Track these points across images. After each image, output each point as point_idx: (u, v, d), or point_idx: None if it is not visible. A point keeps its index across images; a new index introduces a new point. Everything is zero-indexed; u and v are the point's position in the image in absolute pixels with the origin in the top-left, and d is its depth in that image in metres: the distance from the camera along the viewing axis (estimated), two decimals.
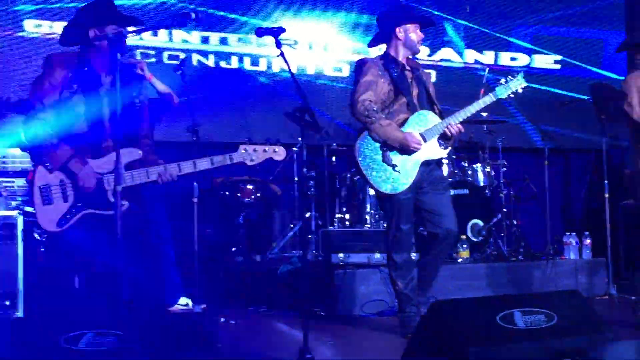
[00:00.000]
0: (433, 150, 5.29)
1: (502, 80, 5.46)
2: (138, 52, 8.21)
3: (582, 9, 9.93)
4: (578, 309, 3.75)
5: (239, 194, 7.89)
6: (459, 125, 5.29)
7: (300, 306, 6.00)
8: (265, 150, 4.74)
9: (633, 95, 5.30)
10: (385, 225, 5.38)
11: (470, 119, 7.01)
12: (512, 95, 5.44)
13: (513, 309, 3.54)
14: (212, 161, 4.71)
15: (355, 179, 7.68)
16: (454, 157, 7.77)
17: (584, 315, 3.74)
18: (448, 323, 3.47)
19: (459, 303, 3.76)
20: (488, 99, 5.38)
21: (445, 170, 7.53)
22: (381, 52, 5.44)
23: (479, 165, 7.87)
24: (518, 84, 5.42)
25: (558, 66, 9.87)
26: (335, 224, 7.67)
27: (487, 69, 7.77)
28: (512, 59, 9.69)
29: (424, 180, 5.26)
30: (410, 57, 5.41)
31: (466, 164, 7.88)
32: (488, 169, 7.84)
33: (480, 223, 7.46)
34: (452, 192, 7.42)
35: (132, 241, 4.69)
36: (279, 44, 4.36)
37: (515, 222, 7.93)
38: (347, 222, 7.70)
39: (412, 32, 5.32)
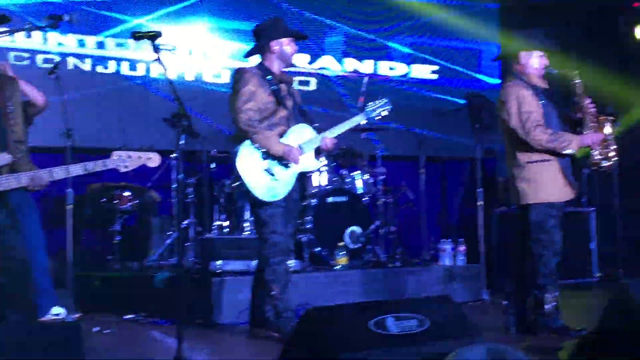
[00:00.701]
0: (309, 162, 5.54)
1: (371, 104, 5.75)
2: (12, 55, 7.96)
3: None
4: (449, 314, 3.84)
5: (115, 201, 7.74)
6: (334, 140, 5.56)
7: (176, 314, 5.93)
8: (139, 157, 4.67)
9: (512, 104, 5.46)
10: (260, 232, 5.43)
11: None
12: (379, 117, 5.74)
13: (386, 314, 3.59)
14: (86, 167, 4.60)
15: (234, 185, 7.65)
16: (333, 164, 7.86)
17: (455, 320, 3.83)
18: (321, 329, 3.50)
19: (332, 309, 3.80)
20: (359, 119, 5.76)
21: (324, 178, 7.62)
22: (256, 63, 5.54)
23: (357, 172, 7.97)
24: (385, 108, 5.72)
25: (435, 76, 10.12)
26: (214, 231, 7.62)
27: (366, 78, 7.88)
28: (391, 68, 9.88)
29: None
30: (284, 69, 5.52)
31: (345, 172, 7.97)
32: (366, 176, 7.95)
33: (359, 230, 7.55)
34: (331, 199, 7.55)
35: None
36: (156, 49, 4.33)
37: (392, 229, 8.07)
38: (226, 229, 7.66)
39: (287, 46, 5.51)
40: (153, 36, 4.35)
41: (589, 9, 10.27)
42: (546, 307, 5.49)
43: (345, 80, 9.56)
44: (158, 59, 4.31)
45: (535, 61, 5.59)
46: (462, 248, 7.75)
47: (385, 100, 5.78)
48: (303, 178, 5.64)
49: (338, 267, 7.21)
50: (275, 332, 5.30)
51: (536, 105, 5.44)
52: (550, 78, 5.73)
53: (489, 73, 10.36)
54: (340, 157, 8.04)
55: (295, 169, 5.42)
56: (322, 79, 9.47)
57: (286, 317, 5.29)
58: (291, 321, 5.19)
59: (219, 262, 6.68)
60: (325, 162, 7.54)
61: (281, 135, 5.40)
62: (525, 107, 5.42)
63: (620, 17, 9.89)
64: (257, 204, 5.36)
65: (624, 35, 10.00)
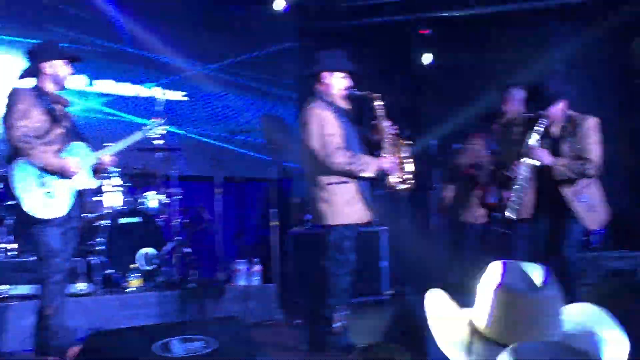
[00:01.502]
0: (86, 180, 5.49)
1: (151, 121, 5.76)
2: None
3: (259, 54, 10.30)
4: (237, 335, 3.86)
5: None
6: (112, 158, 5.57)
7: None
8: None
9: (313, 126, 5.53)
10: (37, 251, 5.27)
11: (147, 147, 7.06)
12: (157, 135, 5.77)
13: (171, 337, 3.56)
14: None
15: (11, 204, 7.32)
16: (127, 184, 7.70)
17: (242, 341, 3.86)
18: (105, 354, 3.42)
19: (116, 333, 3.73)
20: (137, 136, 5.77)
21: (118, 198, 7.46)
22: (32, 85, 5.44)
23: (152, 193, 7.85)
24: (163, 126, 5.78)
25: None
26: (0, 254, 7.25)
27: (162, 98, 7.83)
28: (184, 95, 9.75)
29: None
30: (57, 91, 5.42)
31: (139, 192, 7.83)
32: (162, 196, 7.85)
33: (152, 251, 7.44)
34: (124, 220, 7.39)
35: None
36: None
37: (187, 250, 7.99)
38: (12, 252, 7.29)
39: (60, 68, 5.42)
40: None
41: (384, 34, 10.69)
42: (334, 325, 5.62)
43: (131, 101, 9.37)
44: None
45: (337, 82, 5.69)
46: (257, 268, 7.79)
47: (163, 120, 5.82)
48: (84, 196, 5.52)
49: (131, 289, 7.06)
50: (57, 357, 5.11)
51: (337, 127, 5.55)
52: (352, 99, 5.82)
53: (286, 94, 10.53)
54: (134, 177, 7.89)
55: (72, 185, 5.33)
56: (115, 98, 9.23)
57: (61, 338, 5.14)
58: (67, 342, 5.06)
59: (3, 287, 6.37)
60: (103, 181, 7.40)
61: (57, 152, 5.30)
62: (326, 130, 5.51)
63: (411, 44, 10.35)
64: (34, 222, 5.20)
65: (415, 60, 10.48)
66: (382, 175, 5.73)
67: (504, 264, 2.23)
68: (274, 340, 6.46)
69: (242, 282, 7.68)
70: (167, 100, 8.65)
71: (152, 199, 7.80)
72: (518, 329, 2.15)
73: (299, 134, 5.77)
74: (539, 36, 10.48)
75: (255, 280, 7.77)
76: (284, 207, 9.52)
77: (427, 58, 10.39)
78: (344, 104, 5.73)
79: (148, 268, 7.38)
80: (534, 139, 5.78)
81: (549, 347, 1.85)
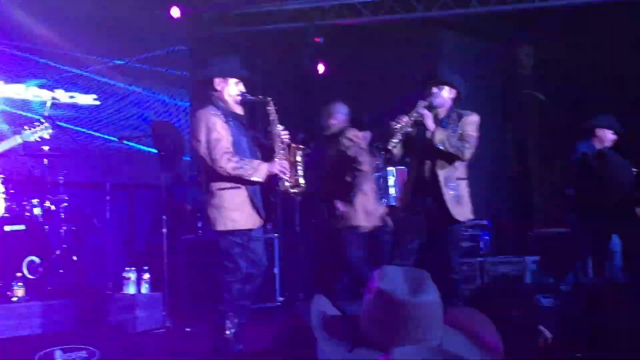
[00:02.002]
0: None
1: (27, 127, 5.64)
2: None
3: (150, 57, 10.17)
4: (120, 344, 3.80)
5: None
6: None
7: None
8: None
9: (202, 132, 5.50)
10: None
11: (33, 153, 6.88)
12: (39, 139, 5.65)
13: (53, 347, 3.47)
14: None
15: None
16: (11, 191, 7.46)
17: (127, 349, 3.80)
18: None
19: None
20: (14, 141, 5.53)
21: (1, 205, 7.22)
22: None
23: (37, 200, 7.63)
24: (46, 130, 5.64)
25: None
26: None
27: (50, 101, 7.69)
28: (71, 97, 9.52)
29: None
30: None
31: (24, 199, 7.59)
32: (47, 203, 7.64)
33: (38, 260, 7.23)
34: (8, 228, 7.16)
35: None
36: None
37: (75, 257, 7.80)
38: None
39: None
40: None
41: (278, 40, 10.72)
42: (226, 333, 5.57)
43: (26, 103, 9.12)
44: None
45: (230, 87, 5.66)
46: (146, 276, 7.67)
47: (47, 124, 5.70)
48: None
49: (14, 299, 6.84)
50: None
51: (225, 132, 5.51)
52: (246, 104, 5.81)
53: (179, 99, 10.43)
54: (18, 184, 7.65)
55: None
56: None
57: None
58: None
59: None
60: None
61: None
62: (213, 135, 5.47)
63: (305, 50, 10.40)
64: None
65: (307, 68, 10.53)
66: (274, 180, 5.73)
67: (385, 269, 2.26)
68: (163, 348, 6.39)
69: (131, 291, 7.55)
70: (54, 103, 8.47)
71: (38, 206, 7.58)
72: (398, 333, 2.18)
73: (190, 140, 5.73)
74: (429, 45, 10.70)
75: (145, 288, 7.65)
76: (176, 214, 9.41)
77: (317, 67, 10.46)
78: (238, 109, 5.71)
79: (33, 277, 7.16)
80: (420, 106, 6.01)
81: (424, 351, 1.89)
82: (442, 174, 6.03)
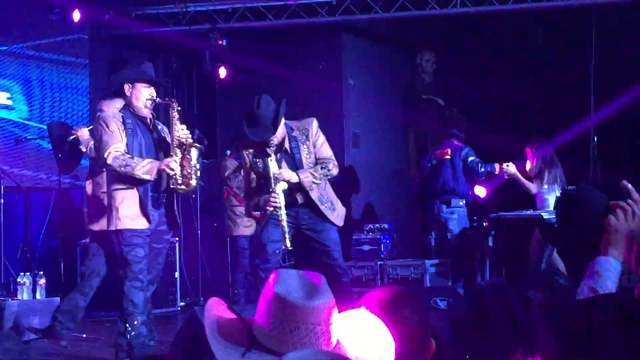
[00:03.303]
0: None
1: None
2: None
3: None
4: (11, 351, 3.69)
5: None
6: None
7: None
8: None
9: (96, 132, 5.62)
10: None
11: None
12: None
13: None
14: None
15: None
16: None
17: (17, 357, 3.69)
18: None
19: None
20: None
21: None
22: None
23: None
24: None
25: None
26: None
27: None
28: None
29: None
30: None
31: None
32: None
33: None
34: None
35: None
36: None
37: None
38: None
39: None
40: None
41: (179, 43, 10.62)
42: (128, 337, 5.48)
43: None
44: None
45: (139, 91, 5.67)
46: (42, 281, 7.47)
47: None
48: None
49: None
50: None
51: (119, 133, 5.53)
52: (155, 108, 5.94)
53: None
54: None
55: None
56: None
57: None
58: None
59: None
60: None
61: None
62: (104, 136, 5.50)
63: (205, 53, 10.33)
64: None
65: (209, 70, 10.45)
66: (164, 177, 5.68)
67: (279, 272, 2.25)
68: (60, 353, 6.26)
69: (25, 296, 7.33)
70: None
71: None
72: (293, 337, 2.17)
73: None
74: (332, 49, 10.77)
75: (41, 294, 7.44)
76: (73, 217, 9.20)
77: (220, 70, 10.40)
78: (147, 113, 5.74)
79: None
80: (274, 166, 5.85)
81: (316, 355, 1.88)
82: (313, 195, 5.99)
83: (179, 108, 5.81)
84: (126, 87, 5.69)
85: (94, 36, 10.21)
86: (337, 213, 6.10)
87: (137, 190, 5.56)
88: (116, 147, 5.48)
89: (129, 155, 5.53)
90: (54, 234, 7.76)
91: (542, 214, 7.89)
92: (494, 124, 10.04)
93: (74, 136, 6.81)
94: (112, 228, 5.53)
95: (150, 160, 5.60)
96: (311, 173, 5.93)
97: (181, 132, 5.70)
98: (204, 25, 10.32)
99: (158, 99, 5.90)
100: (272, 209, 5.85)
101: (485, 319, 2.72)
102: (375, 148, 10.71)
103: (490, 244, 8.95)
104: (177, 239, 8.99)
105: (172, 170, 5.61)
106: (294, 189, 5.95)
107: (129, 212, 5.53)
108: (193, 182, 5.74)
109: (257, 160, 5.95)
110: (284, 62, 10.40)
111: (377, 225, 9.26)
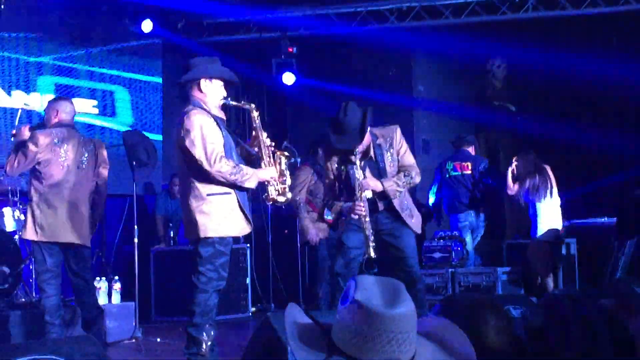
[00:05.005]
0: None
1: None
2: None
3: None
4: (90, 354, 3.74)
5: None
6: None
7: None
8: None
9: (194, 133, 5.25)
10: None
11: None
12: None
13: (19, 357, 3.42)
14: None
15: None
16: None
17: None
18: None
19: None
20: None
21: None
22: None
23: (9, 209, 7.58)
24: None
25: (96, 110, 9.93)
26: None
27: (20, 111, 7.69)
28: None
29: None
30: None
31: None
32: (17, 213, 7.57)
33: (7, 269, 7.15)
34: None
35: None
36: None
37: None
38: None
39: None
40: None
41: (248, 50, 10.74)
42: (202, 348, 5.41)
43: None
44: None
45: (215, 90, 5.41)
46: (117, 286, 7.61)
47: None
48: None
49: None
50: None
51: (219, 136, 5.27)
52: (226, 109, 5.63)
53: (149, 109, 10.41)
54: None
55: None
56: None
57: None
58: None
59: None
60: None
61: None
62: (209, 138, 5.21)
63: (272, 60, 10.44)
64: None
65: (278, 77, 10.54)
66: (263, 187, 5.57)
67: (359, 279, 2.25)
68: (133, 359, 6.35)
69: (101, 300, 7.48)
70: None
71: (8, 216, 7.51)
72: (374, 345, 2.17)
73: (174, 143, 5.50)
74: (402, 56, 10.76)
75: (115, 298, 7.59)
76: (147, 223, 9.37)
77: (289, 77, 10.44)
78: (220, 113, 5.46)
79: (2, 287, 7.08)
80: (359, 174, 5.78)
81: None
82: (395, 204, 5.92)
83: (258, 113, 5.61)
84: (203, 83, 5.37)
85: (166, 44, 10.41)
86: (415, 220, 6.04)
87: (236, 195, 5.33)
88: (223, 152, 5.23)
89: (234, 162, 5.30)
90: (129, 240, 7.88)
91: None
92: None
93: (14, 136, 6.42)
94: (211, 235, 5.25)
95: (250, 168, 5.39)
96: (395, 182, 5.87)
97: (266, 139, 5.53)
98: (274, 33, 10.42)
99: (234, 101, 5.68)
100: (357, 217, 5.79)
101: (562, 328, 2.69)
102: (445, 155, 10.65)
103: (564, 251, 8.90)
104: (248, 245, 9.05)
105: (275, 180, 5.47)
106: (377, 196, 5.91)
107: (226, 218, 5.30)
108: (289, 193, 5.57)
109: (341, 168, 5.92)
110: (353, 70, 10.42)
111: (447, 232, 9.20)
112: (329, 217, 6.41)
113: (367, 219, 5.73)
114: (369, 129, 5.82)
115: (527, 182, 8.63)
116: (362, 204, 5.72)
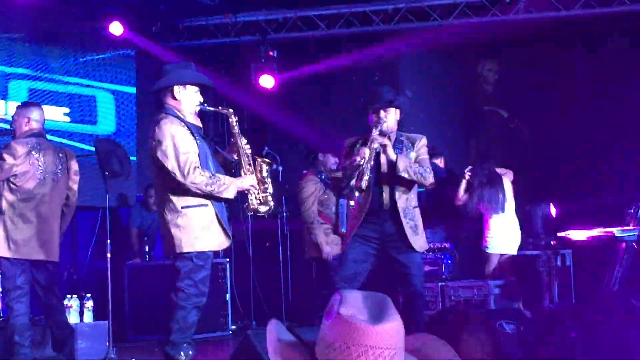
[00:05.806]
0: None
1: None
2: None
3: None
4: None
5: None
6: None
7: None
8: None
9: (166, 143, 5.19)
10: None
11: None
12: None
13: None
14: None
15: None
16: None
17: None
18: None
19: None
20: None
21: None
22: None
23: None
24: None
25: (68, 119, 9.88)
26: None
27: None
28: None
29: None
30: None
31: None
32: None
33: None
34: None
35: None
36: None
37: None
38: None
39: None
40: None
41: (225, 54, 10.73)
42: None
43: None
44: None
45: (190, 96, 5.40)
46: (89, 304, 7.54)
47: None
48: None
49: None
50: None
51: (193, 145, 5.24)
52: (202, 116, 5.59)
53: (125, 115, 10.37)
54: None
55: None
56: None
57: None
58: None
59: None
60: None
61: None
62: (182, 148, 5.18)
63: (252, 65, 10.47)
64: None
65: (257, 81, 10.55)
66: (243, 196, 5.53)
67: (344, 293, 2.25)
68: None
69: (72, 319, 7.42)
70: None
71: None
72: None
73: (148, 153, 5.45)
74: (388, 59, 10.77)
75: (87, 317, 7.52)
76: (120, 237, 9.30)
77: (268, 81, 10.44)
78: (196, 121, 5.45)
79: None
80: (375, 134, 5.87)
81: None
82: (400, 203, 5.94)
83: (237, 118, 5.59)
84: (177, 89, 5.35)
85: (140, 51, 10.38)
86: (419, 237, 6.02)
87: (213, 207, 5.32)
88: (197, 162, 5.22)
89: (209, 172, 5.28)
90: (102, 255, 7.81)
91: (615, 231, 7.83)
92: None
93: None
94: (187, 250, 5.25)
95: (228, 177, 5.38)
96: (409, 162, 5.91)
97: (246, 145, 5.52)
98: (254, 36, 10.41)
99: (211, 107, 5.65)
100: (359, 159, 5.77)
101: (560, 342, 2.70)
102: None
103: (558, 263, 8.91)
104: (227, 259, 9.01)
105: (255, 189, 5.46)
106: (383, 188, 5.95)
107: (204, 231, 5.31)
108: (270, 202, 5.53)
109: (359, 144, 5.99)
110: (337, 73, 10.43)
111: (437, 244, 9.19)
112: (343, 229, 6.38)
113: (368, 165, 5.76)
114: (398, 114, 6.06)
115: (476, 194, 8.60)
116: (366, 150, 5.78)
